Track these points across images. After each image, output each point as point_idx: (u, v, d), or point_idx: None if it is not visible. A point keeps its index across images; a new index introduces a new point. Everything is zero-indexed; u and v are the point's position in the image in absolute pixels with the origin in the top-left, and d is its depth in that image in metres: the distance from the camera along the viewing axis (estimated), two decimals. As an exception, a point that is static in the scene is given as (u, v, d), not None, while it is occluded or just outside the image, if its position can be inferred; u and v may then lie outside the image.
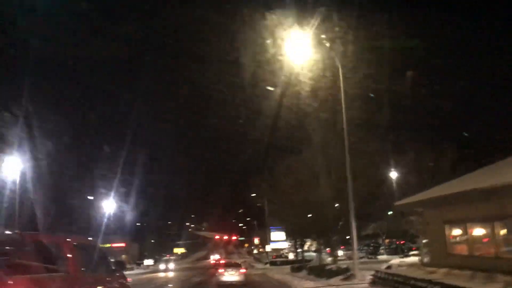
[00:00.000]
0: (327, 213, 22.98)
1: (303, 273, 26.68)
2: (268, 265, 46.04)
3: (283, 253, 55.17)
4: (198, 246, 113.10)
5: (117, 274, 7.34)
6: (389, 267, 15.64)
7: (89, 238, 7.73)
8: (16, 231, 4.89)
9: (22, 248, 4.54)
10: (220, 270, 22.09)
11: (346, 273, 18.02)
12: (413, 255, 41.94)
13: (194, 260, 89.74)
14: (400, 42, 17.84)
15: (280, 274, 29.51)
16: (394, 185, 25.27)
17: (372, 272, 15.84)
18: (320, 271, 21.87)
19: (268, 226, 51.10)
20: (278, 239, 54.71)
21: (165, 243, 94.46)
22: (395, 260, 31.25)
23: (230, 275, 21.17)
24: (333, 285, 16.19)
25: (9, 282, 3.85)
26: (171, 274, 39.79)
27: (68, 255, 5.23)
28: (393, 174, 26.64)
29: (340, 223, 22.99)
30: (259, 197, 37.98)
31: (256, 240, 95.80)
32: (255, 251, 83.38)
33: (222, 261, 33.09)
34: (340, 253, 62.07)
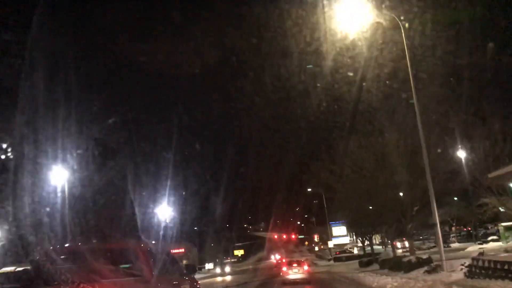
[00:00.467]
0: (401, 198, 20.56)
1: (374, 267, 24.59)
2: (332, 262, 43.96)
3: (346, 248, 52.81)
4: (257, 247, 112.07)
5: (189, 277, 7.53)
6: (481, 253, 13.24)
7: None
8: (94, 240, 5.18)
9: (99, 256, 4.70)
10: (284, 269, 22.18)
11: (428, 265, 15.80)
12: (492, 240, 38.26)
13: (254, 261, 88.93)
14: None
15: (348, 270, 27.56)
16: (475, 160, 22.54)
17: (462, 262, 13.53)
18: (395, 264, 19.75)
19: (328, 221, 48.95)
20: (340, 234, 52.50)
21: (225, 246, 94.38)
22: (473, 247, 28.37)
23: (294, 273, 21.25)
24: (417, 280, 13.77)
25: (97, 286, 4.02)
26: (228, 278, 38.75)
27: (143, 260, 5.45)
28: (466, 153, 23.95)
29: (415, 208, 20.75)
30: (319, 187, 35.75)
31: (316, 238, 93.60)
32: (316, 249, 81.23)
33: (284, 260, 32.75)
34: (398, 245, 58.98)
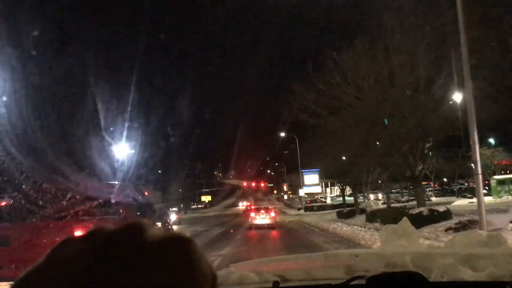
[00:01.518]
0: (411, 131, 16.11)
1: (358, 219, 20.72)
2: (302, 211, 40.51)
3: (317, 198, 49.66)
4: (226, 194, 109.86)
5: (162, 218, 8.25)
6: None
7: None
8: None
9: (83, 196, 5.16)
10: (252, 214, 23.56)
11: (446, 219, 11.50)
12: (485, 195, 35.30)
13: (222, 208, 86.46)
14: None
15: (324, 221, 23.61)
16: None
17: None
18: (391, 218, 15.69)
19: (300, 169, 45.08)
20: (312, 183, 48.97)
21: (192, 191, 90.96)
22: (461, 202, 24.96)
23: (261, 219, 22.29)
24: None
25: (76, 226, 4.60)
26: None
27: (118, 201, 5.98)
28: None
29: (428, 145, 16.48)
30: (295, 124, 30.96)
31: (285, 187, 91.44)
32: (285, 197, 78.68)
33: (253, 207, 33.34)
34: (371, 196, 56.55)
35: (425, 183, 58.86)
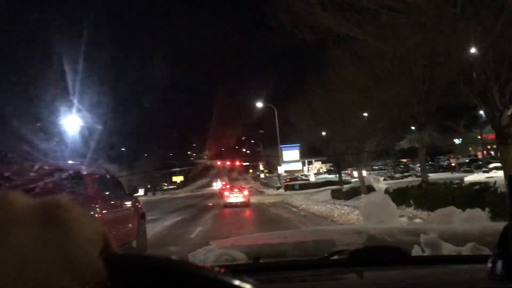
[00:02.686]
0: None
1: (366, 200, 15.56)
2: (282, 190, 35.58)
3: (298, 176, 44.79)
4: (199, 173, 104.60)
5: (132, 197, 8.18)
6: None
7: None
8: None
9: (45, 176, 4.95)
10: (226, 193, 23.92)
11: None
12: (496, 168, 30.99)
13: (195, 188, 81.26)
14: None
15: (319, 204, 18.42)
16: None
17: None
18: (442, 198, 10.66)
19: (279, 144, 39.92)
20: (292, 159, 43.99)
21: (163, 171, 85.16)
22: (476, 176, 20.46)
23: (235, 197, 22.70)
24: None
25: None
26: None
27: (87, 180, 6.05)
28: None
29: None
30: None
31: (261, 166, 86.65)
32: (261, 176, 73.80)
33: (227, 186, 32.94)
34: (355, 174, 52.60)
35: (405, 160, 54.97)
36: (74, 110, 28.24)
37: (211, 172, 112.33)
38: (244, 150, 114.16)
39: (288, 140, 45.58)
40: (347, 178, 41.10)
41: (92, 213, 5.59)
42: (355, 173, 53.07)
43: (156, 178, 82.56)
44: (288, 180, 42.28)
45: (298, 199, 22.61)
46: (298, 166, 45.83)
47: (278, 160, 42.48)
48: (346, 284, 1.17)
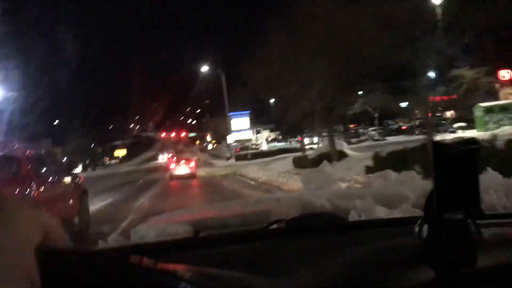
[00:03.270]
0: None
1: (351, 169, 13.22)
2: (232, 161, 33.01)
3: (249, 145, 42.29)
4: (142, 147, 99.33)
5: (71, 173, 7.89)
6: None
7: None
8: None
9: None
10: (172, 166, 23.74)
11: None
12: (460, 128, 29.89)
13: (139, 162, 76.73)
14: None
15: (282, 175, 15.66)
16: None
17: None
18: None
19: (227, 112, 37.03)
20: (241, 128, 41.31)
21: (102, 145, 79.42)
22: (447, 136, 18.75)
23: (182, 169, 22.54)
24: None
25: None
26: None
27: (20, 160, 5.84)
28: None
29: None
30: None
31: (208, 137, 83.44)
32: (209, 147, 70.76)
33: (174, 159, 32.01)
34: (306, 141, 51.19)
35: (353, 125, 54.22)
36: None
37: (156, 145, 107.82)
38: (190, 121, 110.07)
39: (237, 107, 42.68)
40: (297, 145, 39.44)
41: (27, 192, 5.51)
42: (307, 140, 51.44)
43: (96, 153, 76.90)
44: (238, 150, 39.74)
45: (253, 170, 20.03)
46: (248, 134, 43.31)
47: (228, 130, 39.66)
48: (284, 253, 1.19)
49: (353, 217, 1.93)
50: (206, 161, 51.07)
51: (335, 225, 1.52)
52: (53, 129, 50.40)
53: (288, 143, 51.36)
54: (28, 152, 6.36)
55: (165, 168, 31.65)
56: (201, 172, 26.70)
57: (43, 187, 6.11)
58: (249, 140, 46.02)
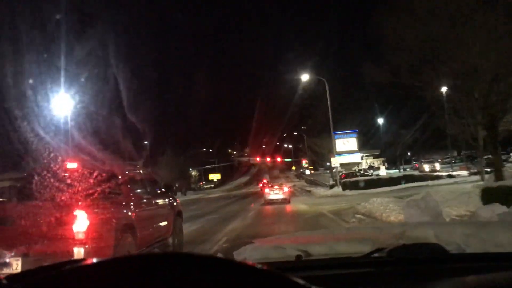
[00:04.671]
0: None
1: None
2: (337, 189, 25.76)
3: (355, 170, 34.57)
4: (239, 172, 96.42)
5: (168, 195, 8.01)
6: None
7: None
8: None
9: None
10: (266, 190, 23.77)
11: None
12: None
13: (233, 187, 72.88)
14: None
15: None
16: None
17: None
18: None
19: (332, 130, 30.09)
20: (347, 150, 33.72)
21: (199, 170, 77.31)
22: None
23: (275, 194, 22.46)
24: None
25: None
26: None
27: (121, 181, 5.90)
28: None
29: None
30: None
31: (304, 162, 76.66)
32: (306, 173, 63.68)
33: (269, 185, 30.59)
34: (426, 167, 41.56)
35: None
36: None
37: (251, 171, 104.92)
38: (286, 146, 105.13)
39: (343, 123, 35.59)
40: (415, 172, 31.00)
41: (126, 211, 5.66)
42: (426, 167, 41.63)
43: (191, 176, 75.23)
44: (343, 176, 32.17)
45: (390, 207, 12.54)
46: (355, 158, 35.52)
47: (326, 154, 32.51)
48: (387, 282, 1.18)
49: (457, 249, 1.72)
50: (303, 188, 44.12)
51: (436, 257, 1.52)
52: (145, 150, 48.53)
53: (401, 169, 42.44)
54: (128, 172, 6.57)
55: (259, 194, 31.09)
56: (300, 204, 20.21)
57: (141, 207, 6.24)
58: (357, 164, 38.01)
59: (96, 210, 4.67)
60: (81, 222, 4.40)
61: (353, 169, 36.01)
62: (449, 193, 13.59)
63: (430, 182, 22.63)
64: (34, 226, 4.20)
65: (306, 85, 32.77)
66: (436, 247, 1.58)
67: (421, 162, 40.25)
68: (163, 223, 7.02)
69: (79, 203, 4.47)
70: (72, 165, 5.11)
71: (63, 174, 4.80)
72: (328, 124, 29.97)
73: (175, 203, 8.04)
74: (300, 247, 2.01)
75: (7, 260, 4.25)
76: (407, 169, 42.71)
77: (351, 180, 25.94)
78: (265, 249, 2.08)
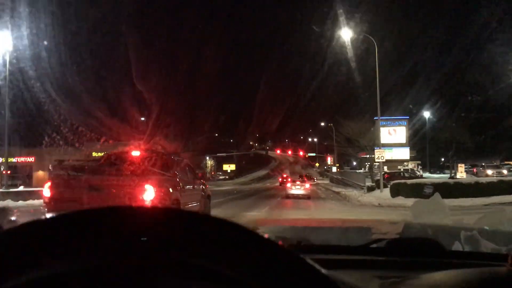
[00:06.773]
0: None
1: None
2: (383, 194, 17.09)
3: (401, 169, 25.88)
4: (256, 164, 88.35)
5: (201, 181, 9.72)
6: None
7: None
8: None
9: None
10: (288, 185, 23.23)
11: None
12: None
13: (248, 180, 65.15)
14: None
15: None
16: None
17: None
18: None
19: (379, 111, 21.39)
20: (394, 141, 24.86)
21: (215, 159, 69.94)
22: None
23: (297, 189, 21.78)
24: None
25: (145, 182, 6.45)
26: None
27: (169, 164, 7.78)
28: None
29: None
30: None
31: (329, 159, 67.94)
32: (334, 170, 54.66)
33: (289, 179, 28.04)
34: (490, 173, 32.60)
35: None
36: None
37: (271, 164, 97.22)
38: (310, 139, 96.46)
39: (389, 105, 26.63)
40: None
41: (175, 189, 7.30)
42: (490, 172, 33.20)
43: (206, 165, 68.01)
44: (387, 176, 23.51)
45: None
46: (402, 153, 26.60)
47: (373, 141, 23.87)
48: (382, 271, 1.23)
49: (456, 248, 1.74)
50: (328, 188, 35.46)
51: (433, 252, 1.53)
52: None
53: (452, 174, 33.52)
54: (178, 161, 8.50)
55: (276, 190, 29.82)
56: (333, 215, 12.03)
57: (184, 187, 7.90)
58: (403, 163, 28.75)
59: (158, 187, 6.52)
60: (149, 193, 6.22)
61: (399, 167, 27.10)
62: None
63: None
64: (116, 195, 6.01)
65: (345, 54, 24.22)
66: (434, 243, 1.58)
67: (483, 166, 31.24)
68: (197, 203, 8.69)
69: (148, 180, 6.30)
70: (135, 153, 7.23)
71: (131, 159, 6.72)
72: (370, 108, 21.35)
73: (205, 188, 9.64)
74: (301, 230, 2.20)
75: None
76: (452, 175, 33.45)
77: (408, 182, 17.07)
78: (269, 232, 2.06)
